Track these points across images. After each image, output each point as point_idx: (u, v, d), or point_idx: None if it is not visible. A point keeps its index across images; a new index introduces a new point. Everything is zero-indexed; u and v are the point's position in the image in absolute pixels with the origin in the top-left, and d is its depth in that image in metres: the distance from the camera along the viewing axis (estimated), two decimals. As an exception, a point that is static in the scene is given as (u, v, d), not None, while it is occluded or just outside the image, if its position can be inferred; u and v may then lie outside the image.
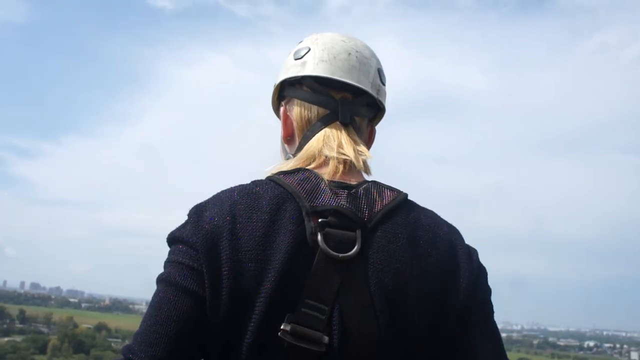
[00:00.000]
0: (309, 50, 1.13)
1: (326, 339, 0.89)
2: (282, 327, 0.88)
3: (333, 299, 0.90)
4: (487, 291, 1.04)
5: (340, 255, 0.91)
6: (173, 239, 0.97)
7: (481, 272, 1.03)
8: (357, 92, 1.11)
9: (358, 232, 0.93)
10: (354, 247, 0.92)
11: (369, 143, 1.19)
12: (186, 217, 0.98)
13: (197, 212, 0.97)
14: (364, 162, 1.07)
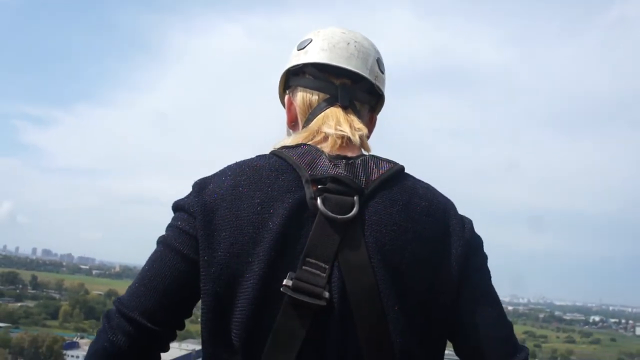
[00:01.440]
0: (311, 41, 1.19)
1: (327, 294, 0.94)
2: (284, 282, 0.94)
3: (333, 258, 0.96)
4: (482, 258, 1.08)
5: (339, 217, 0.96)
6: (176, 207, 1.05)
7: (474, 239, 1.07)
8: (356, 79, 1.16)
9: (356, 198, 0.99)
10: (352, 210, 0.97)
11: (369, 131, 1.22)
12: (191, 189, 1.05)
13: (201, 184, 1.04)
14: (361, 138, 1.10)
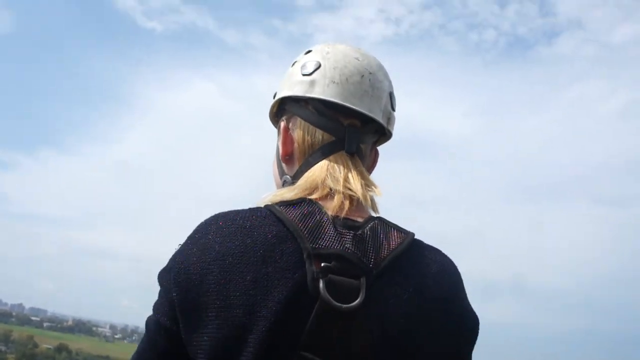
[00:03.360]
0: (319, 66, 1.04)
1: None
2: None
3: (330, 352, 0.83)
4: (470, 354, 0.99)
5: (344, 306, 0.83)
6: (159, 282, 0.92)
7: (473, 338, 0.98)
8: (366, 119, 1.04)
9: (363, 280, 0.85)
10: (357, 296, 0.84)
11: (372, 167, 1.12)
12: (169, 261, 0.92)
13: (182, 253, 0.90)
14: (372, 199, 0.99)
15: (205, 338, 0.84)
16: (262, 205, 0.94)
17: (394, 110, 1.10)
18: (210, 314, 0.84)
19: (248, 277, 0.84)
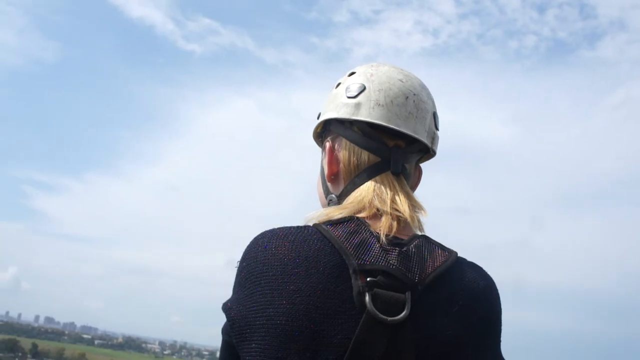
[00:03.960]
0: (364, 89, 1.06)
1: None
2: None
3: None
4: None
5: (389, 318, 0.85)
6: (224, 312, 0.96)
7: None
8: (411, 139, 1.06)
9: (408, 295, 0.87)
10: (403, 310, 0.86)
11: (416, 185, 1.14)
12: (232, 289, 0.97)
13: (240, 289, 0.94)
14: (418, 220, 1.02)
15: (253, 345, 0.88)
16: (310, 224, 0.97)
17: (437, 129, 1.12)
18: (257, 323, 0.88)
19: (291, 287, 0.87)
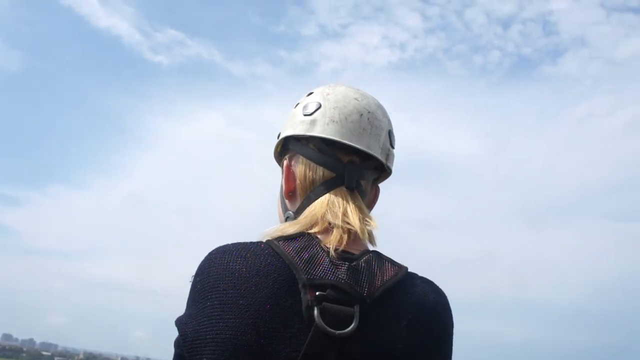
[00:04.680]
0: (320, 106, 1.09)
1: None
2: None
3: None
4: None
5: (337, 332, 0.86)
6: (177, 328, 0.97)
7: None
8: (365, 156, 1.08)
9: (356, 308, 0.89)
10: (351, 323, 0.87)
11: (372, 203, 1.16)
12: (185, 306, 0.98)
13: (192, 304, 0.95)
14: (369, 233, 1.04)
15: (204, 359, 0.89)
16: (264, 240, 0.99)
17: (393, 147, 1.15)
18: (208, 337, 0.89)
19: (241, 302, 0.89)
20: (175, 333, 0.98)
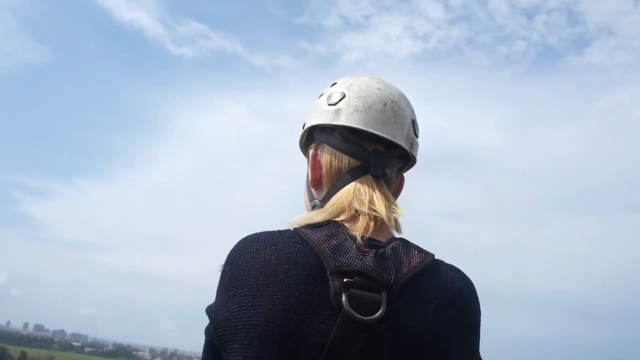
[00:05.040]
0: (344, 96, 1.11)
1: None
2: None
3: None
4: None
5: (365, 318, 0.87)
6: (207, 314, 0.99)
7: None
8: (390, 145, 1.09)
9: (383, 295, 0.90)
10: (378, 309, 0.88)
11: (397, 192, 1.18)
12: (215, 295, 1.00)
13: (223, 293, 0.97)
14: (395, 220, 1.05)
15: (235, 346, 0.91)
16: (292, 228, 1.00)
17: (417, 136, 1.16)
18: (239, 324, 0.91)
19: (271, 289, 0.90)
20: (203, 324, 0.98)
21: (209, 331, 0.97)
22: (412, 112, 1.16)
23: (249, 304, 0.91)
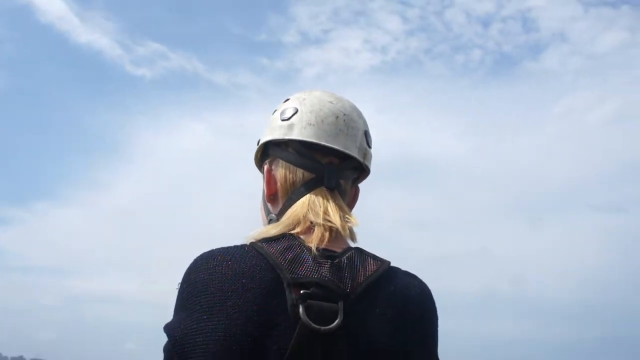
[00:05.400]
0: (297, 111, 1.12)
1: None
2: None
3: None
4: None
5: (322, 328, 0.88)
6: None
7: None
8: (343, 156, 1.11)
9: (340, 304, 0.91)
10: (335, 319, 0.89)
11: (352, 203, 1.19)
12: (174, 311, 0.99)
13: (180, 310, 0.97)
14: (350, 229, 1.06)
15: None
16: (248, 243, 1.01)
17: (370, 147, 1.18)
18: (197, 340, 0.90)
19: (229, 304, 0.91)
20: (165, 341, 0.98)
21: (167, 349, 0.96)
22: (365, 123, 1.17)
23: (206, 319, 0.91)
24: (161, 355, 1.00)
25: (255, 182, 1.23)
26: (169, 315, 1.01)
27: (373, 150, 1.20)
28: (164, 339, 0.99)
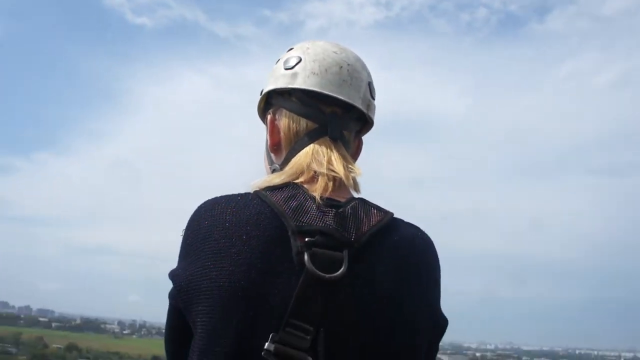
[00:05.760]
0: (300, 60, 1.12)
1: (310, 359, 0.87)
2: (265, 346, 0.87)
3: (318, 320, 0.88)
4: (441, 336, 1.06)
5: (327, 275, 0.89)
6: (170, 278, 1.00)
7: (443, 320, 1.05)
8: (347, 107, 1.10)
9: (345, 253, 0.92)
10: (340, 267, 0.90)
11: (356, 155, 1.19)
12: (178, 258, 1.01)
13: (185, 257, 0.98)
14: (354, 180, 1.06)
15: (199, 308, 0.92)
16: (252, 191, 1.01)
17: (373, 98, 1.17)
18: (202, 286, 0.92)
19: (233, 250, 0.92)
20: (170, 287, 0.99)
21: (172, 295, 0.98)
22: (369, 74, 1.16)
23: (211, 265, 0.92)
24: (163, 307, 1.00)
25: (256, 132, 1.23)
26: (171, 267, 1.01)
27: (376, 102, 1.19)
28: (165, 290, 1.01)
